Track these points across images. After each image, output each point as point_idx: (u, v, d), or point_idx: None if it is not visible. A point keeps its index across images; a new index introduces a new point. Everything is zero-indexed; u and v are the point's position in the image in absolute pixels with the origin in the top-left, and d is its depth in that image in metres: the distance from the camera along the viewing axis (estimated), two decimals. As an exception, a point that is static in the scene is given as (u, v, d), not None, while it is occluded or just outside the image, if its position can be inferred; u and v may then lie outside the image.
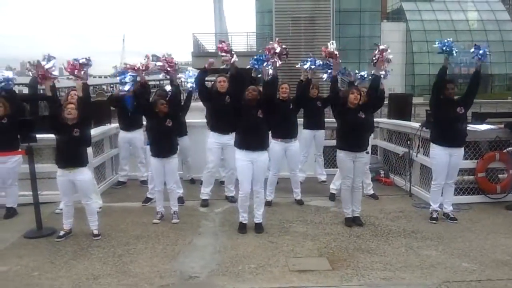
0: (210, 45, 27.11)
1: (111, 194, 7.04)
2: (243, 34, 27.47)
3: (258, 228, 5.23)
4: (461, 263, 4.33)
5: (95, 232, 5.04)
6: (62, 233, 5.02)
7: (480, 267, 4.22)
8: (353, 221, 5.45)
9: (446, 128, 5.47)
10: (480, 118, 9.14)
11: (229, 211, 6.00)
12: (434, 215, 5.59)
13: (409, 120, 9.04)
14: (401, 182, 7.26)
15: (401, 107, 10.80)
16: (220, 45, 5.94)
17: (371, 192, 6.60)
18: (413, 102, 13.52)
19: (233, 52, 5.97)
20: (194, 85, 6.36)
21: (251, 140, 5.12)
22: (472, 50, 5.53)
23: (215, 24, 33.29)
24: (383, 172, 7.68)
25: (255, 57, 5.84)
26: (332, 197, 6.49)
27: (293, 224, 5.48)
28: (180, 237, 5.05)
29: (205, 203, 6.28)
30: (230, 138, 5.65)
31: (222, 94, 6.04)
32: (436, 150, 5.55)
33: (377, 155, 8.11)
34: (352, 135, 5.27)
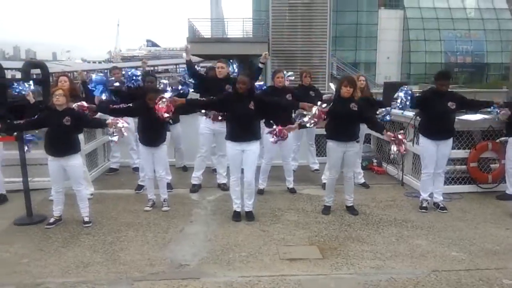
0: (205, 31, 26.85)
1: (104, 181, 7.01)
2: (239, 20, 27.24)
3: (249, 216, 5.22)
4: (451, 252, 4.35)
5: (86, 219, 5.02)
6: (52, 220, 5.00)
7: (469, 256, 4.25)
8: (347, 211, 5.47)
9: (432, 121, 5.43)
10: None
11: (221, 199, 5.99)
12: (424, 204, 5.60)
13: (404, 109, 8.99)
14: (393, 171, 7.27)
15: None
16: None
17: (362, 181, 6.60)
18: (408, 90, 13.39)
19: None
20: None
21: (242, 132, 5.05)
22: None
23: (211, 9, 32.91)
24: (375, 160, 7.69)
25: None
26: (325, 186, 6.47)
27: (285, 213, 5.48)
28: (172, 225, 5.04)
29: (194, 188, 6.26)
30: (222, 125, 5.52)
31: (220, 80, 5.94)
32: (423, 140, 5.55)
33: (370, 144, 8.11)
34: (341, 126, 5.20)
